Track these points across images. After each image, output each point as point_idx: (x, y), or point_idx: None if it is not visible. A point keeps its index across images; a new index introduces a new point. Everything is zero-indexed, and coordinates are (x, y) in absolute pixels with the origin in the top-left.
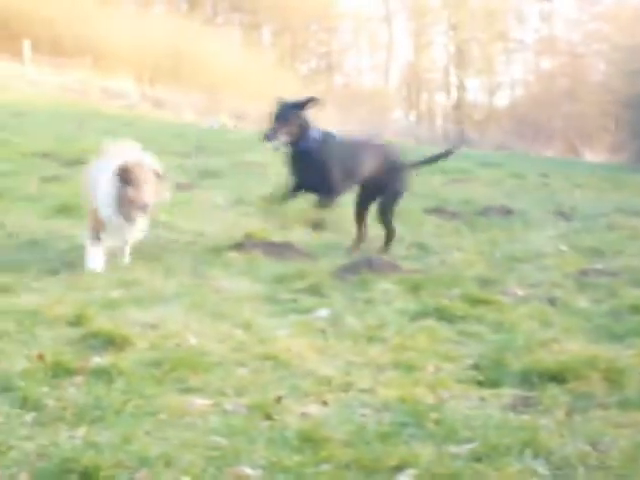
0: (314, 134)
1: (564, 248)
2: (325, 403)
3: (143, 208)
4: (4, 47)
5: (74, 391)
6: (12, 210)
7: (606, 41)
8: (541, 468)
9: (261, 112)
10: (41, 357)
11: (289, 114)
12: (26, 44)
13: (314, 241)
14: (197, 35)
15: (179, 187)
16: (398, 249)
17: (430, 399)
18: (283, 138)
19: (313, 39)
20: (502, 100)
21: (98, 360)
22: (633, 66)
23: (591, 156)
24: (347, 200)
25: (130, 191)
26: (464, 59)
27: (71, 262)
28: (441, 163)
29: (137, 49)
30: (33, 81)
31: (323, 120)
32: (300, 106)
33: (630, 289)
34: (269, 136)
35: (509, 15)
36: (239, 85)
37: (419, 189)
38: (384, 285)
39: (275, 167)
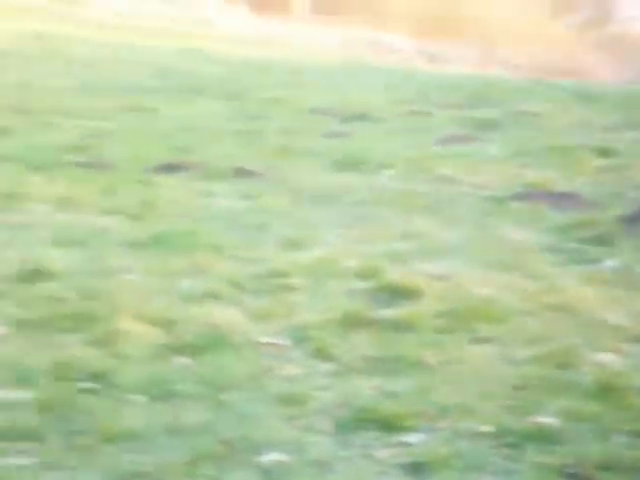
0: None
1: None
2: (619, 352)
3: None
4: (281, 4)
5: (366, 343)
6: (296, 166)
7: None
8: None
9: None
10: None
11: None
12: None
13: (600, 190)
14: None
15: (455, 139)
16: None
17: None
18: None
19: None
20: None
21: (388, 312)
22: None
23: None
24: None
25: None
26: None
27: (358, 216)
28: None
29: (410, 3)
30: (309, 37)
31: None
32: None
33: None
34: None
35: None
36: (510, 36)
37: None
38: None
39: (551, 117)
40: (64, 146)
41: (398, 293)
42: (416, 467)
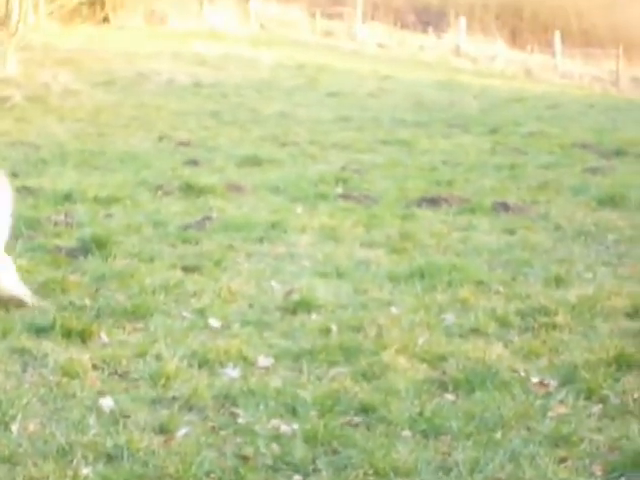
0: None
1: None
2: None
3: None
4: (535, 39)
5: (637, 385)
6: (556, 201)
7: None
8: None
9: None
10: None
11: None
12: (556, 35)
13: None
14: None
15: None
16: None
17: None
18: None
19: None
20: None
21: None
22: None
23: None
24: None
25: None
26: None
27: (622, 254)
28: None
29: None
30: (564, 72)
31: None
32: None
33: None
34: None
35: None
36: None
37: None
38: None
39: None
40: (325, 178)
41: None
42: None
